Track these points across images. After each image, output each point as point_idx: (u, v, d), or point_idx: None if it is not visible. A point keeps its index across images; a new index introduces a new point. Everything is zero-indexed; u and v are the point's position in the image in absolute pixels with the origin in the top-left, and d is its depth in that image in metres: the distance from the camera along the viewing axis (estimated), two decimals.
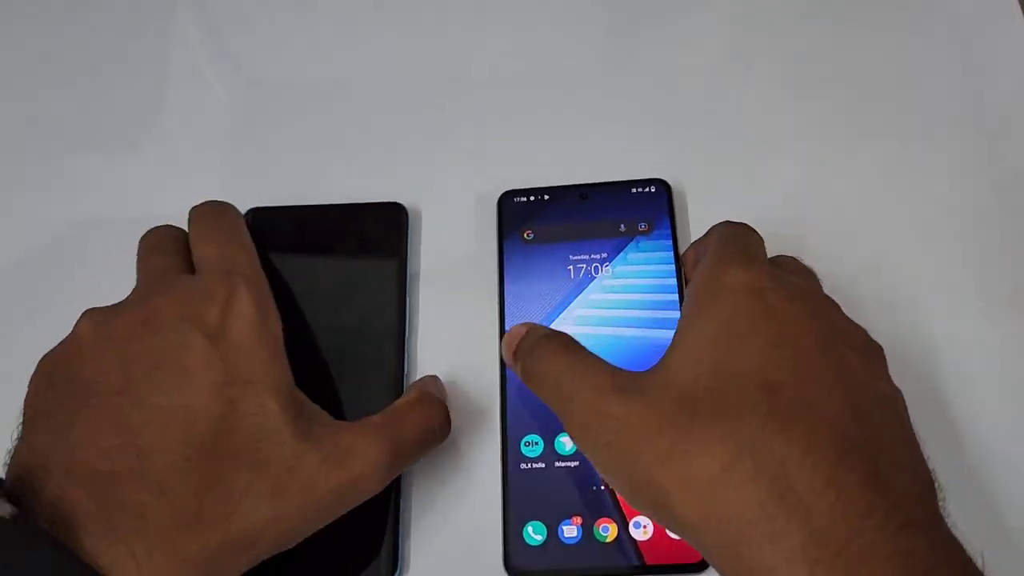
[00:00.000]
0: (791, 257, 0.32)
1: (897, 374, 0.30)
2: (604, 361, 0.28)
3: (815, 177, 0.39)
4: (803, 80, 0.42)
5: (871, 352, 0.27)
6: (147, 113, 0.44)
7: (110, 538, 0.23)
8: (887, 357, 0.28)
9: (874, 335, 0.28)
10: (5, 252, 0.40)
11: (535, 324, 0.31)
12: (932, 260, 0.37)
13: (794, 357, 0.25)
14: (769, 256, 0.31)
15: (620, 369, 0.28)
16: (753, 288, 0.27)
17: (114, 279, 0.30)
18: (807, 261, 0.32)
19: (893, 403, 0.26)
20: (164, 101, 0.44)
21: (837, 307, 0.29)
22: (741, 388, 0.24)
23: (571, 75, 0.43)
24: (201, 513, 0.25)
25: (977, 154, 0.39)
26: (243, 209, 0.36)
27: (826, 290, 0.30)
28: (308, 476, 0.26)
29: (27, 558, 0.22)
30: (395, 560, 0.31)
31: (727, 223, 0.32)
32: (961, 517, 0.31)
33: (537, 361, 0.29)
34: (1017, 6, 0.43)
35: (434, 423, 0.31)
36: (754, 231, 0.31)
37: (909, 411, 0.26)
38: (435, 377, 0.34)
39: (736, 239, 0.30)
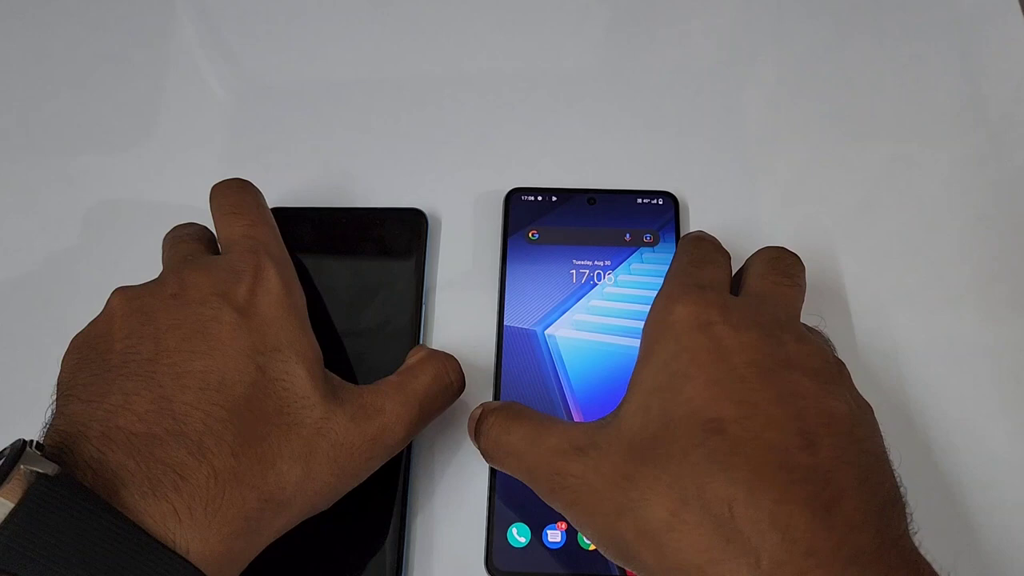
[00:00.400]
0: (768, 261, 0.30)
1: (895, 374, 0.30)
2: (558, 420, 0.28)
3: (815, 177, 0.39)
4: (805, 80, 0.42)
5: (825, 373, 0.26)
6: (147, 113, 0.44)
7: (152, 496, 0.23)
8: (888, 358, 0.28)
9: (874, 336, 0.27)
10: (5, 251, 0.40)
11: (488, 401, 0.31)
12: (932, 260, 0.37)
13: (738, 391, 0.25)
14: (756, 249, 0.31)
15: (575, 425, 0.28)
16: (700, 323, 0.26)
17: (114, 278, 0.30)
18: (804, 262, 0.31)
19: (847, 423, 0.25)
20: (164, 101, 0.44)
21: (793, 327, 0.27)
22: (685, 430, 0.24)
23: (574, 76, 0.43)
24: (239, 473, 0.25)
25: (977, 154, 0.39)
26: None
27: (824, 291, 0.30)
28: (337, 436, 0.27)
29: (73, 514, 0.22)
30: (399, 564, 0.31)
31: (688, 240, 0.31)
32: (959, 518, 0.31)
33: (489, 435, 0.29)
34: (1017, 6, 0.43)
35: (450, 376, 0.31)
36: (716, 251, 0.30)
37: (908, 413, 0.26)
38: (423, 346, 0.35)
39: (691, 265, 0.30)
